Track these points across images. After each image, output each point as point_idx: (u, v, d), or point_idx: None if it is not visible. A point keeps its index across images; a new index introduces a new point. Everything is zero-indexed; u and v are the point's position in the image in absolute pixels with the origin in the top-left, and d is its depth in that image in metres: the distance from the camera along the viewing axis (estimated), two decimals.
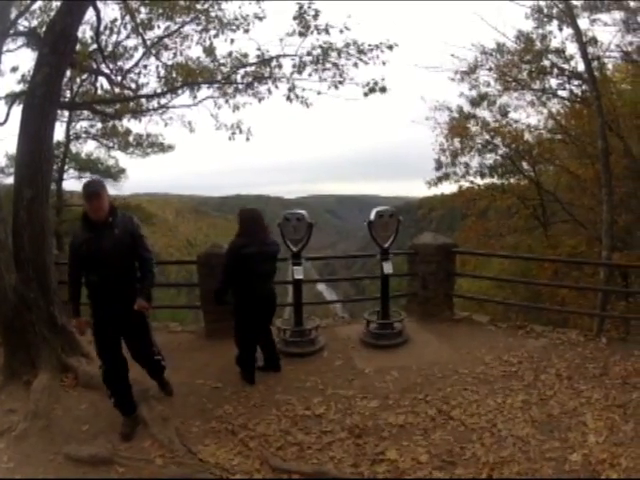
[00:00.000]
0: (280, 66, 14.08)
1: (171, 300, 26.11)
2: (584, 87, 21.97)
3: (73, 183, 31.13)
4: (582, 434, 7.14)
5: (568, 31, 20.34)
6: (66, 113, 25.34)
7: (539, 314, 18.41)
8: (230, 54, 14.19)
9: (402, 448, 6.97)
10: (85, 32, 13.56)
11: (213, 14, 14.03)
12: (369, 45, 13.65)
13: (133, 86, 14.56)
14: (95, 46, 13.48)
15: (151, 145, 29.58)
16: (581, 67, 20.30)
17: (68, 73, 14.24)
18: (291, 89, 14.05)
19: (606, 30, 21.98)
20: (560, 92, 24.00)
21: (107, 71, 14.02)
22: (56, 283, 9.20)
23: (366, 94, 13.91)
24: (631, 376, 8.84)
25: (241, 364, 9.04)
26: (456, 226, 31.37)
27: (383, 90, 13.99)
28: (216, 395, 8.51)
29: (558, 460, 6.56)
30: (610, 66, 23.58)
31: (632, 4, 19.51)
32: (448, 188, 28.05)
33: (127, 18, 13.87)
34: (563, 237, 24.88)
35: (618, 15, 20.06)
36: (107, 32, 13.87)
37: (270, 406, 8.07)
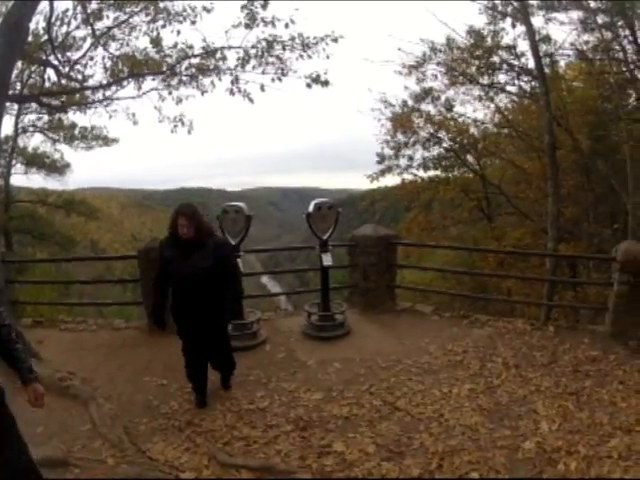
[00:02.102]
0: (224, 58, 14.01)
1: (117, 296, 25.78)
2: (534, 83, 22.15)
3: (20, 178, 30.98)
4: (534, 422, 7.09)
5: (521, 28, 20.53)
6: (15, 106, 24.98)
7: (486, 304, 18.63)
8: (175, 45, 14.09)
9: (348, 440, 6.85)
10: (38, 23, 13.39)
11: (162, 5, 13.89)
12: (314, 38, 13.62)
13: (79, 77, 14.38)
14: (46, 37, 13.29)
15: (95, 138, 29.31)
16: (532, 64, 20.44)
17: (19, 65, 14.09)
18: (234, 82, 13.96)
19: (561, 29, 22.33)
20: (509, 87, 24.24)
21: (56, 62, 13.84)
22: (3, 282, 8.98)
23: (309, 85, 13.86)
24: (582, 364, 8.85)
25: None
26: (400, 218, 31.54)
27: (326, 83, 13.95)
28: (162, 392, 8.33)
29: (510, 448, 6.50)
30: (562, 63, 24.03)
31: (592, 4, 19.67)
32: (391, 181, 28.11)
33: (79, 8, 13.68)
34: (508, 229, 25.14)
35: (575, 15, 20.35)
36: (58, 23, 13.70)
37: (214, 401, 7.90)
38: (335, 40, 13.58)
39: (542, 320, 12.34)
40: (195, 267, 7.18)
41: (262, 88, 13.76)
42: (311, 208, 10.48)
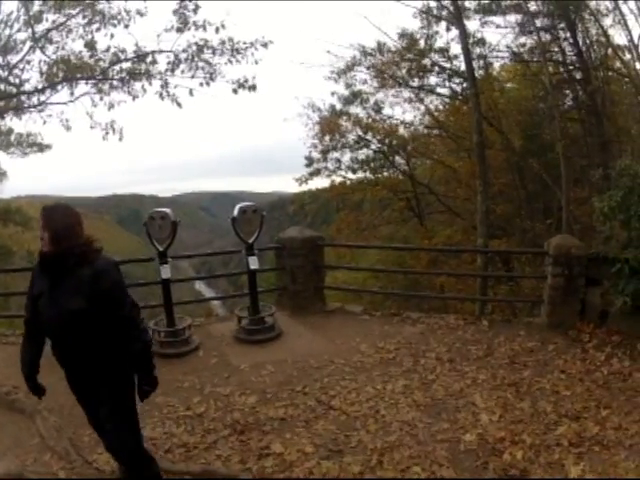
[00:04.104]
0: (155, 62, 14.10)
1: None
2: (464, 85, 22.47)
3: None
4: (473, 414, 7.14)
5: (455, 32, 20.82)
6: None
7: (419, 302, 18.75)
8: (109, 49, 14.09)
9: (286, 441, 6.83)
10: None
11: (99, 7, 13.88)
12: (244, 43, 13.72)
13: (17, 82, 14.33)
14: None
15: (31, 145, 28.80)
16: (464, 66, 20.67)
17: None
18: (163, 86, 13.98)
19: (497, 32, 22.74)
20: (440, 89, 24.57)
21: None
22: None
23: (235, 90, 14.03)
24: (519, 355, 8.96)
25: None
26: (331, 219, 31.69)
27: (253, 88, 14.07)
28: None
29: (451, 441, 6.52)
30: (497, 65, 24.67)
31: (532, 8, 20.00)
32: (321, 183, 28.25)
33: (22, 10, 13.67)
34: (439, 227, 25.47)
35: (513, 18, 20.95)
36: (2, 25, 13.68)
37: (152, 409, 7.67)
38: (265, 45, 13.75)
39: (476, 315, 12.41)
40: (62, 308, 4.65)
41: (191, 92, 13.89)
42: (236, 212, 10.48)
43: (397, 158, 26.86)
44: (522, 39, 21.54)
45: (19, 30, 14.06)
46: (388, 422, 7.11)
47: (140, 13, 13.86)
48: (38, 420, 7.27)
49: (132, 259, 12.76)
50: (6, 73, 14.13)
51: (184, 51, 13.85)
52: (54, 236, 4.58)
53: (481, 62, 22.26)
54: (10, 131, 27.32)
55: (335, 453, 6.47)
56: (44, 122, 15.38)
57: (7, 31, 13.93)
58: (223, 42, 13.78)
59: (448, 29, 21.78)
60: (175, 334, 9.97)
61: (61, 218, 4.67)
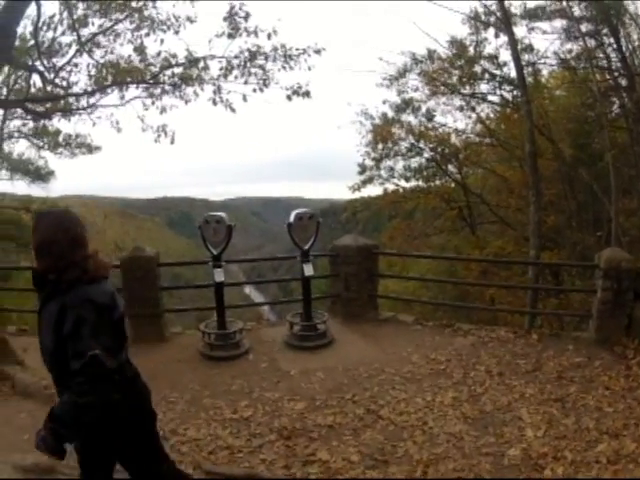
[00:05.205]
0: (207, 68, 14.02)
1: None
2: (515, 92, 22.25)
3: (2, 184, 30.53)
4: (519, 429, 7.11)
5: (504, 38, 20.60)
6: (1, 111, 24.83)
7: (469, 313, 18.66)
8: (159, 54, 14.10)
9: (332, 448, 6.85)
10: (26, 27, 13.49)
11: (147, 13, 13.93)
12: (297, 49, 13.66)
13: (64, 84, 14.43)
14: (33, 42, 13.37)
15: (79, 145, 28.94)
16: (514, 73, 20.53)
17: (5, 69, 14.18)
18: (216, 92, 13.98)
19: (544, 37, 22.46)
20: (490, 97, 24.33)
21: (42, 68, 13.87)
22: None
23: (289, 97, 13.89)
24: (567, 370, 8.88)
25: None
26: (382, 227, 31.46)
27: (307, 94, 13.98)
28: None
29: (495, 455, 6.51)
30: (545, 72, 24.18)
31: (576, 13, 19.78)
32: (374, 190, 28.14)
33: (65, 14, 13.73)
34: (490, 238, 25.18)
35: (559, 23, 20.52)
36: (45, 28, 13.76)
37: (199, 410, 7.86)
38: (317, 52, 13.62)
39: (525, 328, 12.34)
40: (41, 340, 4.05)
41: (244, 98, 13.77)
42: (292, 218, 10.49)
43: (449, 167, 26.73)
44: (568, 45, 21.33)
45: (63, 33, 14.10)
46: (435, 434, 7.12)
47: (190, 19, 13.90)
48: None
49: (184, 261, 12.91)
50: (52, 75, 14.21)
51: (236, 57, 13.84)
52: (37, 250, 3.79)
53: (529, 69, 22.09)
54: (58, 132, 27.55)
55: (381, 463, 6.47)
56: (93, 124, 15.47)
57: (50, 34, 14.02)
58: (276, 48, 13.76)
59: (497, 35, 21.54)
60: (226, 337, 10.09)
61: (46, 229, 3.78)
